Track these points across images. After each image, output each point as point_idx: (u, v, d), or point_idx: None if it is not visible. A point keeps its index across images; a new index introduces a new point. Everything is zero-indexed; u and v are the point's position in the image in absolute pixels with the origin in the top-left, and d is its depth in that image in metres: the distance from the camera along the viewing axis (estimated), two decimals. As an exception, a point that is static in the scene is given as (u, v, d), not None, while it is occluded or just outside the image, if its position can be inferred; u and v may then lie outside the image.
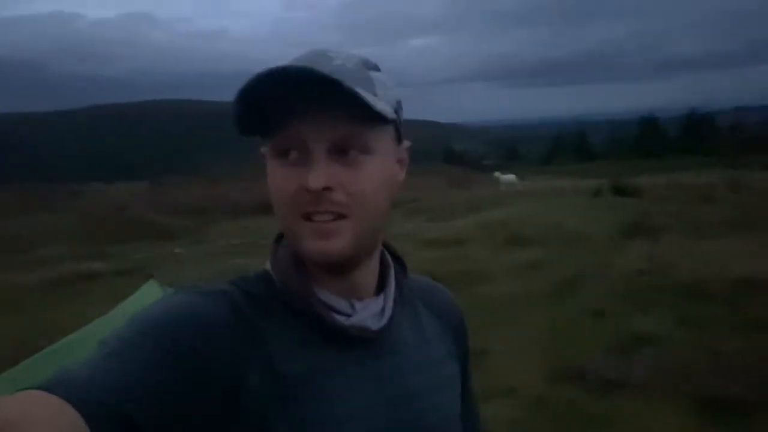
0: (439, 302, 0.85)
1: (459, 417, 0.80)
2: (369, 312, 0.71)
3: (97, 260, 10.90)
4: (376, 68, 0.69)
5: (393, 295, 0.74)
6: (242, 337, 0.64)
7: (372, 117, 0.62)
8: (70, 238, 13.79)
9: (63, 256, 11.58)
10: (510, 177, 21.77)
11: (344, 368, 0.68)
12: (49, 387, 0.52)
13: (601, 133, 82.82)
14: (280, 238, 0.75)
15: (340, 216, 0.65)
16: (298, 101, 0.62)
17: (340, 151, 0.64)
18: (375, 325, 0.71)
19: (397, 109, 0.69)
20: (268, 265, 0.74)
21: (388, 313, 0.73)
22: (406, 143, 0.74)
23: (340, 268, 0.68)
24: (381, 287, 0.75)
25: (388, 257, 0.78)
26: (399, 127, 0.71)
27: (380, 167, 0.67)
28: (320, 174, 0.63)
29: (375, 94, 0.65)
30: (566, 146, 72.87)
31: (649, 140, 64.25)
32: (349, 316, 0.70)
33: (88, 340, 2.79)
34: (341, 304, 0.70)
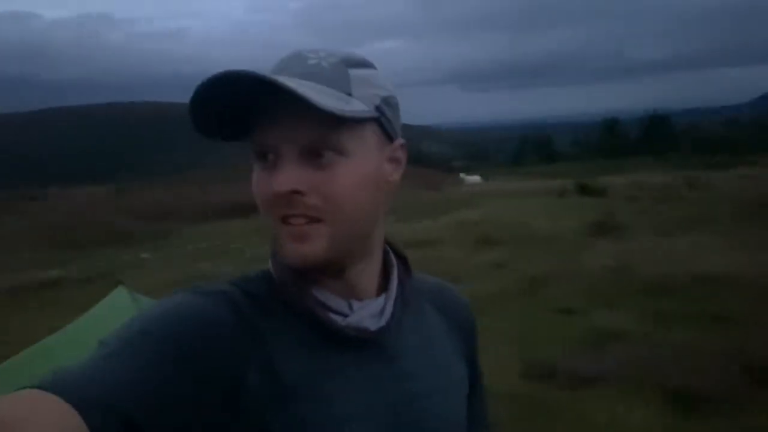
0: (446, 301, 0.83)
1: (464, 419, 0.78)
2: (367, 312, 0.70)
3: (60, 267, 10.61)
4: (363, 65, 0.68)
5: (394, 295, 0.73)
6: (242, 337, 0.63)
7: (345, 117, 0.60)
8: (30, 245, 13.38)
9: (23, 263, 11.22)
10: (474, 178, 22.07)
11: (344, 369, 0.67)
12: (48, 386, 0.50)
13: (565, 134, 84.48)
14: None
15: (315, 219, 0.64)
16: (270, 104, 0.61)
17: (313, 154, 0.63)
18: (373, 325, 0.70)
19: (381, 106, 0.67)
20: (270, 265, 0.73)
21: (388, 313, 0.71)
22: (399, 141, 0.71)
23: (321, 271, 0.67)
24: (385, 287, 0.74)
25: (392, 257, 0.77)
26: (386, 125, 0.68)
27: (359, 169, 0.64)
28: (285, 177, 0.62)
29: (349, 93, 0.64)
30: (532, 148, 74.04)
31: (610, 141, 65.84)
32: (347, 316, 0.69)
33: (60, 346, 2.73)
34: (339, 304, 0.69)
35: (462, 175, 24.03)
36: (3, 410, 0.46)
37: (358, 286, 0.71)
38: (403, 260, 0.78)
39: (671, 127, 67.80)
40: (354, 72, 0.66)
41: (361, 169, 0.65)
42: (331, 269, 0.68)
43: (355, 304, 0.70)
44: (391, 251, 0.78)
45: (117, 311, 3.01)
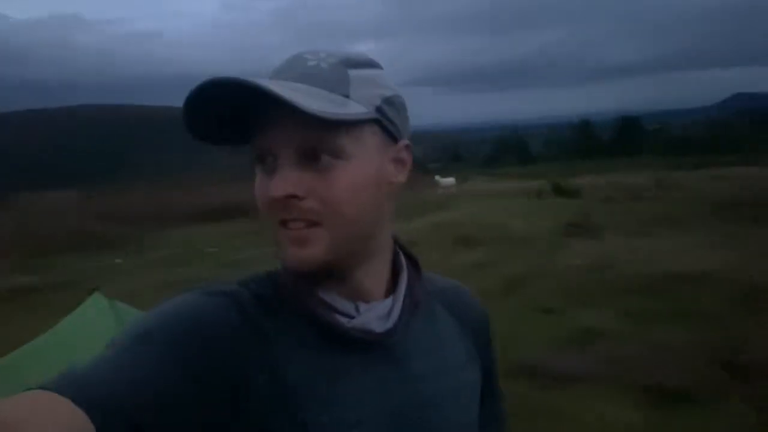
0: (459, 304, 0.82)
1: (476, 423, 0.77)
2: (374, 314, 0.69)
3: (33, 274, 10.38)
4: (365, 65, 0.67)
5: (402, 297, 0.72)
6: (248, 338, 0.63)
7: (331, 120, 0.60)
8: (2, 251, 13.05)
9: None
10: (449, 180, 22.15)
11: (349, 371, 0.66)
12: (54, 387, 0.50)
13: (539, 136, 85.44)
14: None
15: (314, 223, 0.63)
16: (269, 108, 0.61)
17: (311, 157, 0.63)
18: (380, 327, 0.69)
19: (382, 106, 0.66)
20: (279, 265, 0.72)
21: (395, 315, 0.70)
22: (403, 142, 0.70)
23: (323, 274, 0.66)
24: (393, 289, 0.73)
25: (402, 259, 0.76)
26: (388, 126, 0.67)
27: (358, 171, 0.64)
28: (282, 182, 0.62)
29: (346, 95, 0.63)
30: (508, 149, 74.70)
31: (583, 143, 66.88)
32: (353, 318, 0.68)
33: (37, 353, 2.66)
34: (346, 305, 0.69)
35: (437, 177, 24.10)
36: (7, 410, 0.45)
37: (363, 288, 0.70)
38: (413, 262, 0.77)
39: (642, 129, 69.19)
40: (354, 72, 0.65)
41: (361, 171, 0.64)
42: (333, 272, 0.67)
43: (362, 306, 0.69)
44: (401, 253, 0.76)
45: (95, 318, 2.96)
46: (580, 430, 3.82)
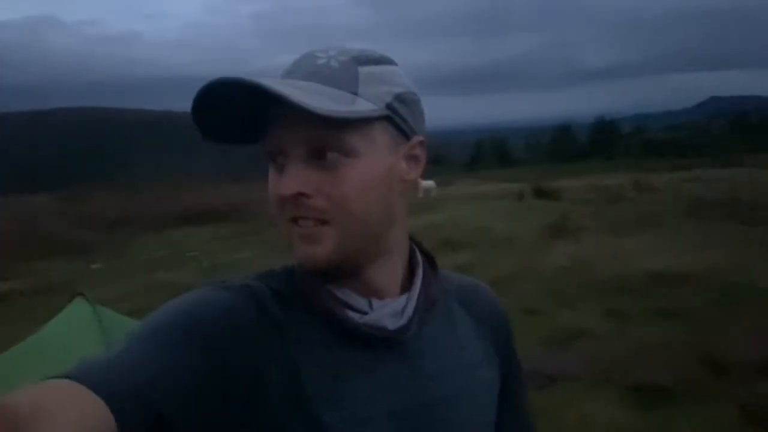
0: (477, 302, 0.81)
1: (492, 422, 0.76)
2: (388, 311, 0.69)
3: (7, 279, 10.17)
4: (376, 62, 0.67)
5: (417, 294, 0.71)
6: (266, 332, 0.63)
7: (334, 118, 0.59)
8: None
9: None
10: (429, 183, 22.20)
11: (361, 368, 0.66)
12: (76, 376, 0.50)
13: (519, 139, 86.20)
14: None
15: (322, 222, 0.63)
16: (279, 107, 0.60)
17: (319, 156, 0.63)
18: (393, 324, 0.68)
19: (393, 103, 0.65)
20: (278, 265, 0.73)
21: (409, 312, 0.70)
22: (417, 138, 0.69)
23: (334, 271, 0.66)
24: (409, 287, 0.73)
25: (418, 256, 0.75)
26: (399, 123, 0.66)
27: (367, 169, 0.63)
28: (291, 180, 0.62)
29: (355, 92, 0.63)
30: (488, 152, 75.24)
31: (562, 146, 67.77)
32: (366, 314, 0.68)
33: (21, 359, 2.61)
34: (359, 302, 0.68)
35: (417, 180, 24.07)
36: (28, 399, 0.45)
37: (377, 285, 0.70)
38: (430, 260, 0.77)
39: (619, 132, 70.34)
40: (364, 69, 0.65)
41: (370, 168, 0.64)
42: (345, 269, 0.67)
43: (376, 303, 0.69)
44: (417, 250, 0.76)
45: (78, 323, 2.90)
46: (564, 429, 3.85)
